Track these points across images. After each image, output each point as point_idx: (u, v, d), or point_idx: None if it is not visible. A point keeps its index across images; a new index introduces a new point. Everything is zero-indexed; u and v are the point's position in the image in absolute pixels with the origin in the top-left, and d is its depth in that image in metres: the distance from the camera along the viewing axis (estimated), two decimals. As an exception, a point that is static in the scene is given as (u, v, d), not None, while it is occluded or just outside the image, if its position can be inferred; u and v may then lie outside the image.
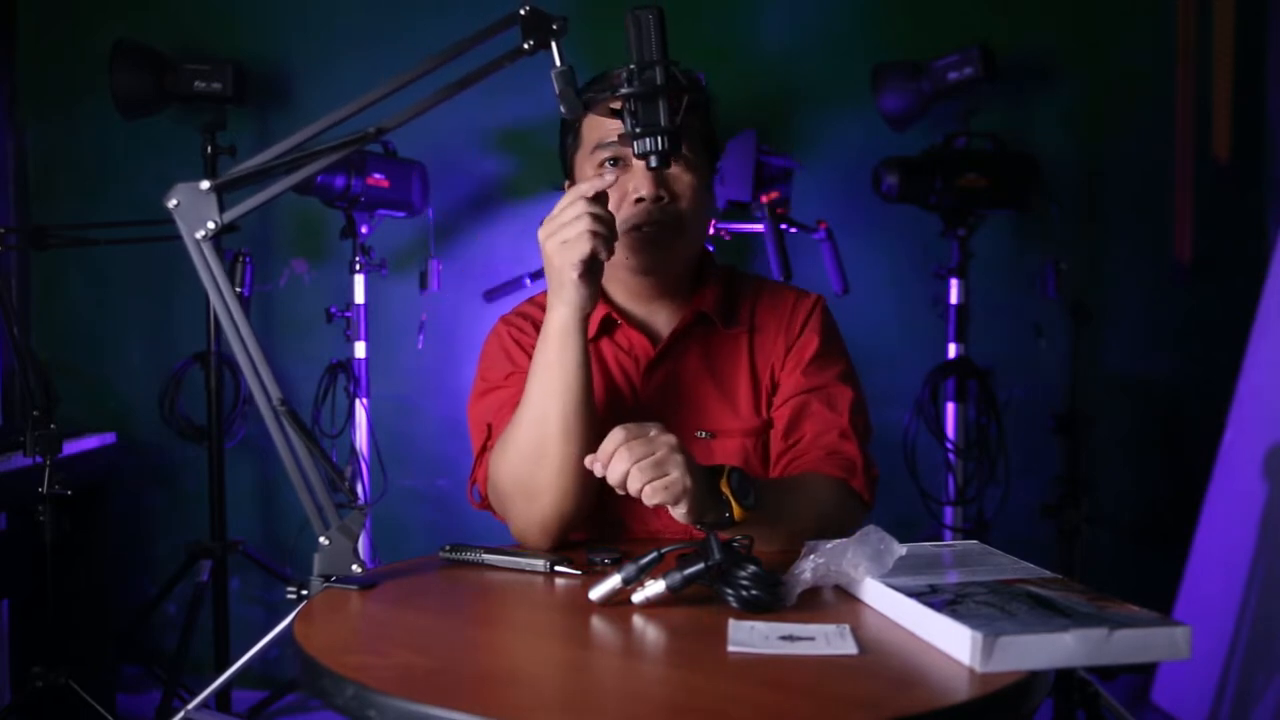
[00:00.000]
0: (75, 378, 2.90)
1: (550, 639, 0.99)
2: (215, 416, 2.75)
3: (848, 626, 0.96)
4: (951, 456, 2.80)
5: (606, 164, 1.38)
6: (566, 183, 1.46)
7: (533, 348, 1.36)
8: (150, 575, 3.05)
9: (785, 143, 2.89)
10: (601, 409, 1.37)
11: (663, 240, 1.38)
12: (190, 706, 1.61)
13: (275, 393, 1.14)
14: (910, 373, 2.82)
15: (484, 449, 1.40)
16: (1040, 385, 2.99)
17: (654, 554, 1.04)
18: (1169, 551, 2.87)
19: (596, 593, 1.04)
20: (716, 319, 1.44)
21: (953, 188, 2.67)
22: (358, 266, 2.79)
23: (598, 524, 1.39)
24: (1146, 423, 3.15)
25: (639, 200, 1.36)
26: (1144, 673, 2.89)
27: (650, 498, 1.09)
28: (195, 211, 1.14)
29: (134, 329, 3.05)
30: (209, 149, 2.71)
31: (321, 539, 1.13)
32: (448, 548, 1.23)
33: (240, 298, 2.42)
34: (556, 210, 1.23)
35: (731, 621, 0.97)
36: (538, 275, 2.70)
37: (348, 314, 2.80)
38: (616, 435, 1.11)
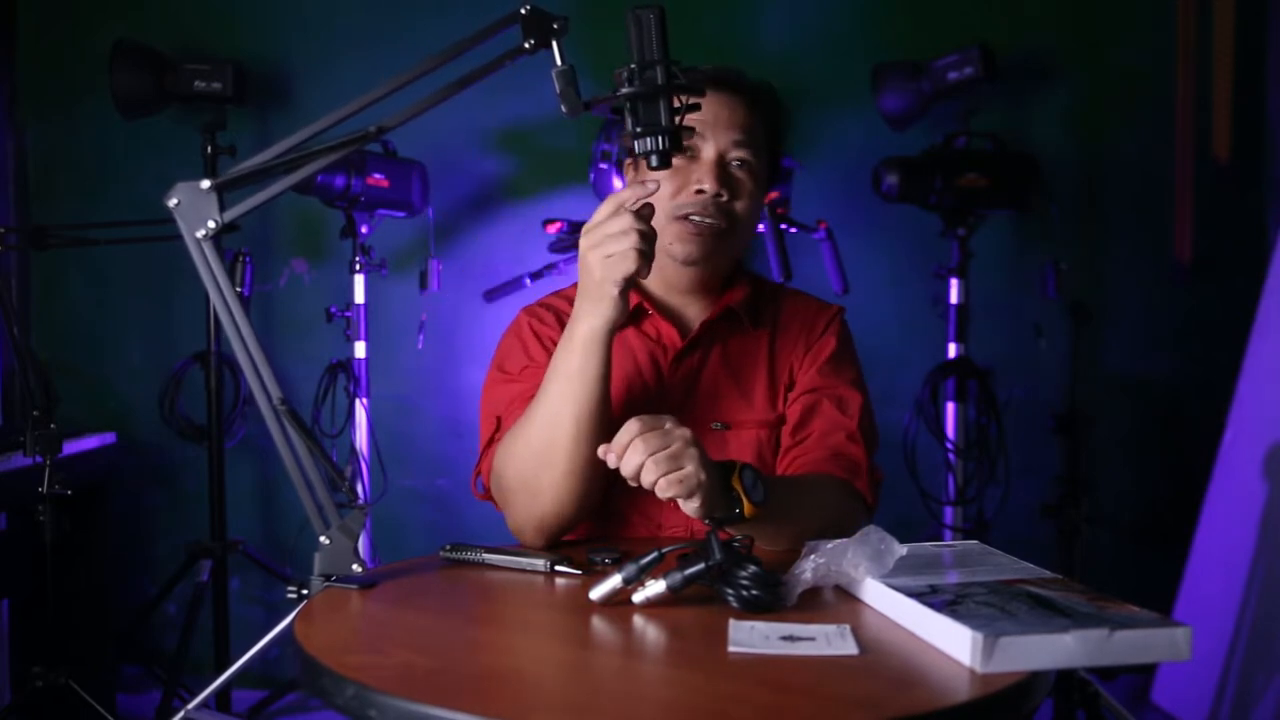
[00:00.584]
0: (75, 378, 2.90)
1: (550, 639, 0.99)
2: (215, 416, 2.75)
3: (848, 626, 0.96)
4: (951, 456, 2.80)
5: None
6: (629, 161, 1.48)
7: (553, 342, 1.38)
8: (150, 575, 3.05)
9: (787, 143, 2.89)
10: (623, 396, 1.41)
11: (712, 234, 1.42)
12: (190, 706, 1.60)
13: (275, 392, 1.14)
14: (910, 373, 2.82)
15: (491, 441, 1.41)
16: (1040, 385, 2.99)
17: (654, 554, 1.03)
18: (1169, 551, 2.87)
19: (597, 593, 1.04)
20: (744, 317, 1.48)
21: (953, 187, 2.67)
22: (358, 266, 2.79)
23: (599, 516, 1.41)
24: (1146, 423, 3.15)
25: (699, 191, 1.40)
26: (1144, 673, 2.90)
27: (664, 491, 1.09)
28: (196, 211, 1.14)
29: (134, 329, 3.05)
30: (209, 149, 2.71)
31: (321, 539, 1.13)
32: (448, 547, 1.23)
33: (240, 297, 2.41)
34: (599, 218, 1.21)
35: (732, 621, 0.97)
36: (538, 275, 2.70)
37: (348, 314, 2.80)
38: (632, 427, 1.10)
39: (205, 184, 1.14)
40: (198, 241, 1.14)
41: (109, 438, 2.73)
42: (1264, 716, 2.41)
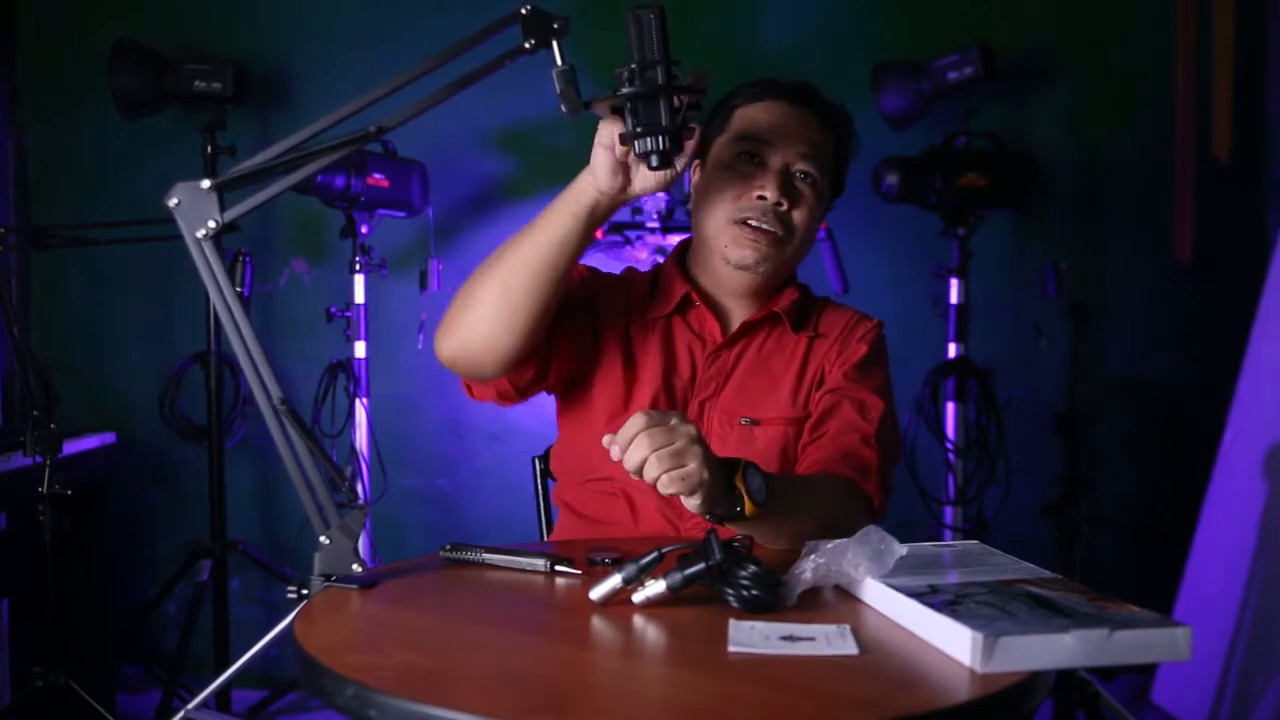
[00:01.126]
0: (75, 378, 2.90)
1: (550, 639, 0.99)
2: (215, 416, 2.75)
3: (848, 626, 0.96)
4: (951, 456, 2.80)
5: (742, 160, 1.45)
6: (697, 163, 1.53)
7: (590, 283, 1.51)
8: (150, 575, 3.05)
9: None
10: (656, 382, 1.45)
11: (767, 242, 1.44)
12: (190, 706, 1.61)
13: (276, 392, 1.14)
14: (910, 372, 2.82)
15: None
16: (1040, 385, 2.99)
17: (654, 554, 1.03)
18: (1169, 551, 2.87)
19: (597, 592, 1.04)
20: (788, 320, 1.51)
21: (953, 187, 2.67)
22: (358, 266, 2.79)
23: (625, 514, 1.43)
24: (1146, 423, 3.15)
25: (760, 198, 1.43)
26: (1144, 673, 2.90)
27: (666, 487, 1.09)
28: (196, 210, 1.14)
29: (134, 329, 3.05)
30: (209, 149, 2.71)
31: (322, 538, 1.13)
32: (448, 547, 1.23)
33: (240, 297, 2.42)
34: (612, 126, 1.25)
35: (732, 621, 0.97)
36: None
37: (348, 314, 2.80)
38: (637, 421, 1.10)
39: (205, 184, 1.14)
40: (198, 241, 1.14)
41: (109, 438, 2.73)
42: (1264, 716, 2.41)
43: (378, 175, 2.65)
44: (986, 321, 2.90)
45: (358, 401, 2.79)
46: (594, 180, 1.29)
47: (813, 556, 1.06)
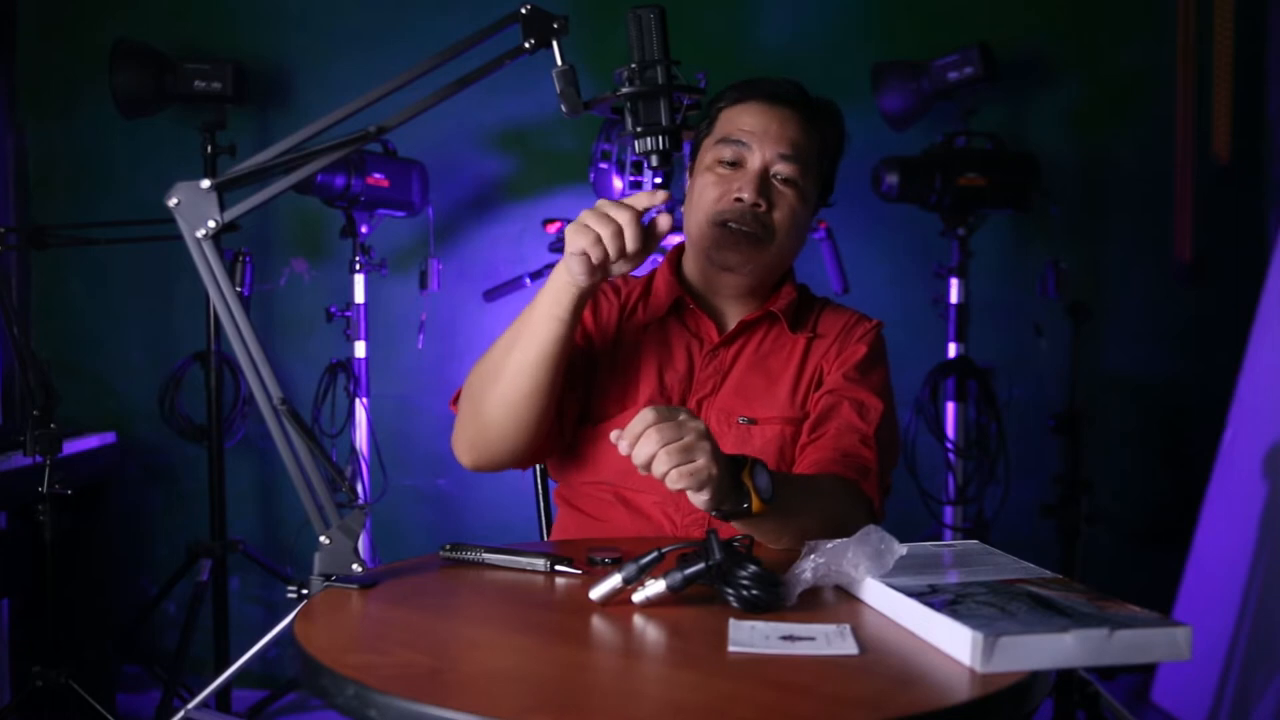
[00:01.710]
0: (75, 378, 2.90)
1: (550, 639, 0.99)
2: (215, 416, 2.75)
3: (848, 626, 0.96)
4: (951, 456, 2.80)
5: (723, 163, 1.46)
6: (690, 165, 1.54)
7: (592, 302, 1.49)
8: (150, 575, 3.05)
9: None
10: (653, 382, 1.46)
11: (746, 243, 1.44)
12: (190, 706, 1.61)
13: (276, 392, 1.14)
14: (910, 372, 2.81)
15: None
16: (1040, 385, 2.99)
17: (654, 554, 1.03)
18: (1169, 551, 2.87)
19: (597, 592, 1.04)
20: (785, 321, 1.51)
21: (952, 187, 2.67)
22: (358, 266, 2.79)
23: (625, 513, 1.44)
24: (1146, 423, 3.15)
25: (738, 199, 1.43)
26: (1144, 673, 2.90)
27: (674, 483, 1.09)
28: (196, 210, 1.14)
29: (134, 329, 3.05)
30: (209, 148, 2.71)
31: (322, 538, 1.13)
32: (448, 547, 1.23)
33: (240, 297, 2.42)
34: (613, 203, 1.25)
35: (732, 621, 0.97)
36: (538, 275, 2.70)
37: (348, 313, 2.80)
38: (646, 416, 1.10)
39: (205, 184, 1.14)
40: (198, 241, 1.14)
41: (109, 437, 2.73)
42: (1264, 716, 2.41)
43: (378, 175, 2.65)
44: (986, 321, 2.90)
45: (358, 401, 2.79)
46: (573, 279, 1.29)
47: (812, 556, 1.06)
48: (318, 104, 2.83)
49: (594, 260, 1.24)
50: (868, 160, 2.74)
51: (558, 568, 1.17)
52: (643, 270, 1.61)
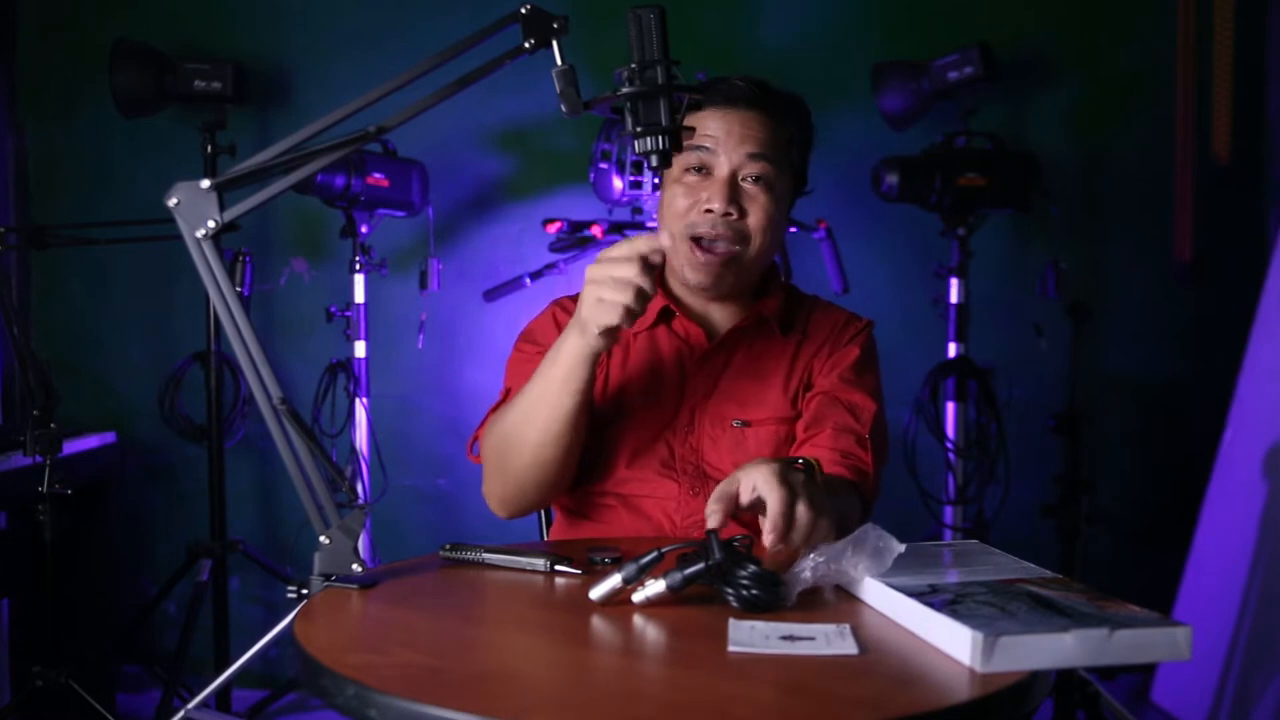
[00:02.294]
0: (75, 377, 2.90)
1: (550, 639, 0.99)
2: (215, 416, 2.75)
3: (848, 626, 0.96)
4: (951, 456, 2.80)
5: (691, 171, 1.44)
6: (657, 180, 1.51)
7: None
8: (150, 575, 3.05)
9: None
10: (645, 390, 1.47)
11: (720, 262, 1.44)
12: (190, 706, 1.61)
13: (276, 392, 1.14)
14: (910, 372, 2.82)
15: (494, 409, 1.47)
16: (1040, 385, 2.99)
17: (654, 553, 1.03)
18: (1169, 551, 2.87)
19: (597, 592, 1.04)
20: (775, 325, 1.50)
21: (952, 187, 2.67)
22: (358, 266, 2.79)
23: (594, 514, 1.44)
24: (1146, 423, 3.15)
25: (709, 210, 1.41)
26: (1144, 673, 2.90)
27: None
28: (196, 210, 1.14)
29: (134, 329, 3.05)
30: (209, 148, 2.71)
31: (322, 538, 1.13)
32: (448, 547, 1.23)
33: (240, 297, 2.42)
34: (613, 254, 1.20)
35: (732, 621, 0.97)
36: (538, 275, 2.70)
37: (348, 313, 2.80)
38: (803, 519, 1.08)
39: (205, 183, 1.14)
40: (198, 241, 1.14)
41: (109, 437, 2.73)
42: (1264, 716, 2.41)
43: (377, 175, 2.65)
44: (986, 321, 2.90)
45: (358, 401, 2.79)
46: (595, 346, 1.27)
47: (812, 556, 1.06)
48: (318, 104, 2.83)
49: (626, 328, 1.22)
50: (868, 160, 2.75)
51: (558, 568, 1.17)
52: None
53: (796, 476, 1.10)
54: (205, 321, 2.75)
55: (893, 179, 2.66)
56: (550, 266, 2.71)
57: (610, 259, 1.20)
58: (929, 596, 0.96)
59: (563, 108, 1.20)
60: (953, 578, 1.06)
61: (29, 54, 3.00)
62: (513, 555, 1.20)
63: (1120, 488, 3.06)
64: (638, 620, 1.01)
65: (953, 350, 2.80)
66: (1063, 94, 3.06)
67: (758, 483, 1.08)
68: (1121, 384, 3.09)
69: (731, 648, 0.91)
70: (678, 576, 1.02)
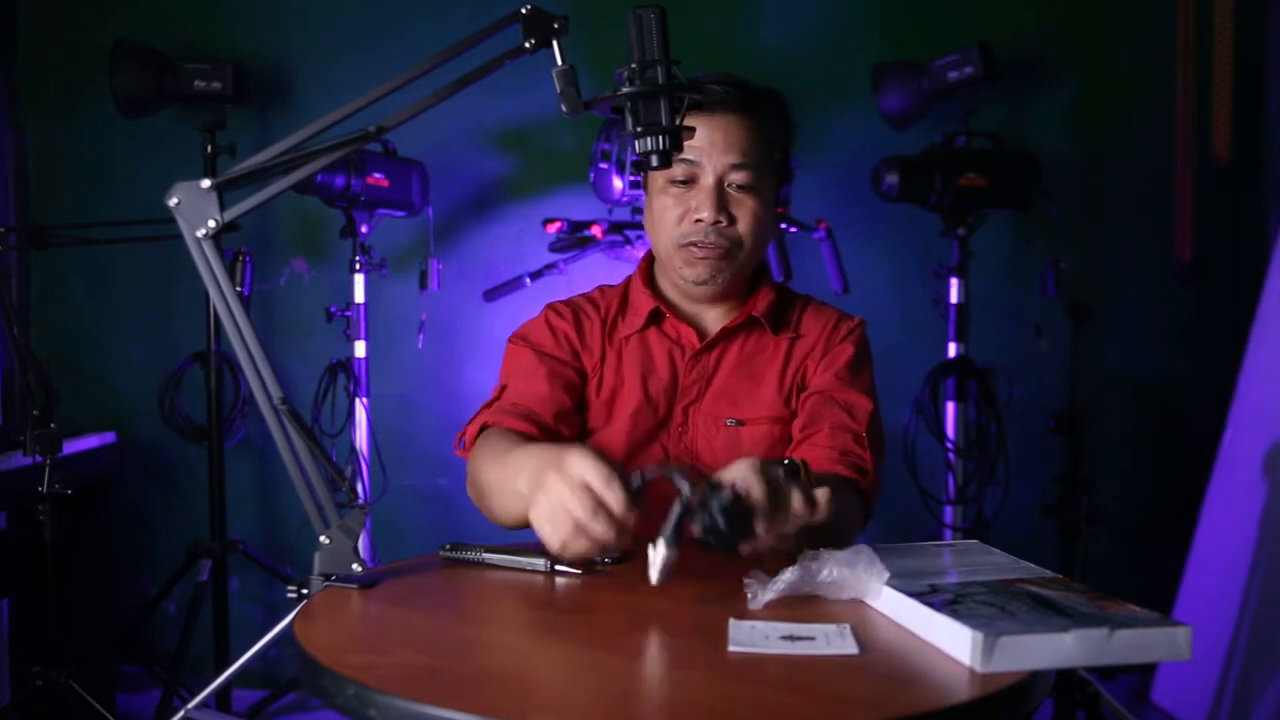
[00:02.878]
0: (75, 377, 2.90)
1: (550, 639, 0.99)
2: (215, 416, 2.75)
3: (848, 626, 0.96)
4: (951, 456, 2.80)
5: (676, 182, 1.44)
6: (643, 179, 1.53)
7: (566, 336, 1.50)
8: (150, 575, 3.05)
9: (793, 145, 2.90)
10: (638, 394, 1.47)
11: (717, 256, 1.44)
12: (190, 706, 1.60)
13: (276, 391, 1.14)
14: (910, 372, 2.82)
15: (488, 405, 1.47)
16: (1040, 385, 2.99)
17: (678, 507, 1.01)
18: (1169, 551, 2.87)
19: (658, 576, 1.00)
20: (767, 324, 1.51)
21: (952, 187, 2.67)
22: (358, 266, 2.79)
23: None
24: (1146, 423, 3.15)
25: (698, 220, 1.43)
26: (1144, 673, 2.90)
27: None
28: (196, 210, 1.14)
29: (134, 328, 3.05)
30: (209, 148, 2.71)
31: (322, 538, 1.13)
32: (448, 547, 1.23)
33: (240, 297, 2.41)
34: (567, 483, 1.01)
35: (732, 621, 0.97)
36: (538, 275, 2.70)
37: (348, 313, 2.80)
38: (792, 505, 1.05)
39: (205, 183, 1.14)
40: (198, 241, 1.14)
41: (109, 437, 2.73)
42: (1264, 716, 2.41)
43: (377, 175, 2.65)
44: (986, 321, 2.90)
45: (358, 401, 2.79)
46: None
47: (798, 570, 1.04)
48: (318, 104, 2.83)
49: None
50: (868, 160, 2.75)
51: (558, 568, 1.17)
52: (617, 280, 1.62)
53: (777, 470, 1.08)
54: (205, 321, 2.75)
55: (893, 179, 2.66)
56: (550, 266, 2.71)
57: (566, 479, 1.02)
58: (929, 596, 0.97)
59: (563, 108, 1.20)
60: (953, 578, 1.06)
61: (29, 54, 3.00)
62: (513, 555, 1.20)
63: (1120, 488, 3.06)
64: (638, 621, 1.01)
65: (953, 350, 2.80)
66: (1063, 94, 3.06)
67: (739, 478, 1.05)
68: (1121, 384, 3.09)
69: (731, 648, 0.91)
70: (667, 530, 1.01)
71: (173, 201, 1.14)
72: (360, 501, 1.15)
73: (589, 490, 1.00)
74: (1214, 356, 2.94)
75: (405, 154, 2.78)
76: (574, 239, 2.63)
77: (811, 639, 0.93)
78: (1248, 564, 2.57)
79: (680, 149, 1.21)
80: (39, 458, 2.05)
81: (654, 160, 1.20)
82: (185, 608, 2.69)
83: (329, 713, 0.85)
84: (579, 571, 1.16)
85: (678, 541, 1.01)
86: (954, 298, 2.79)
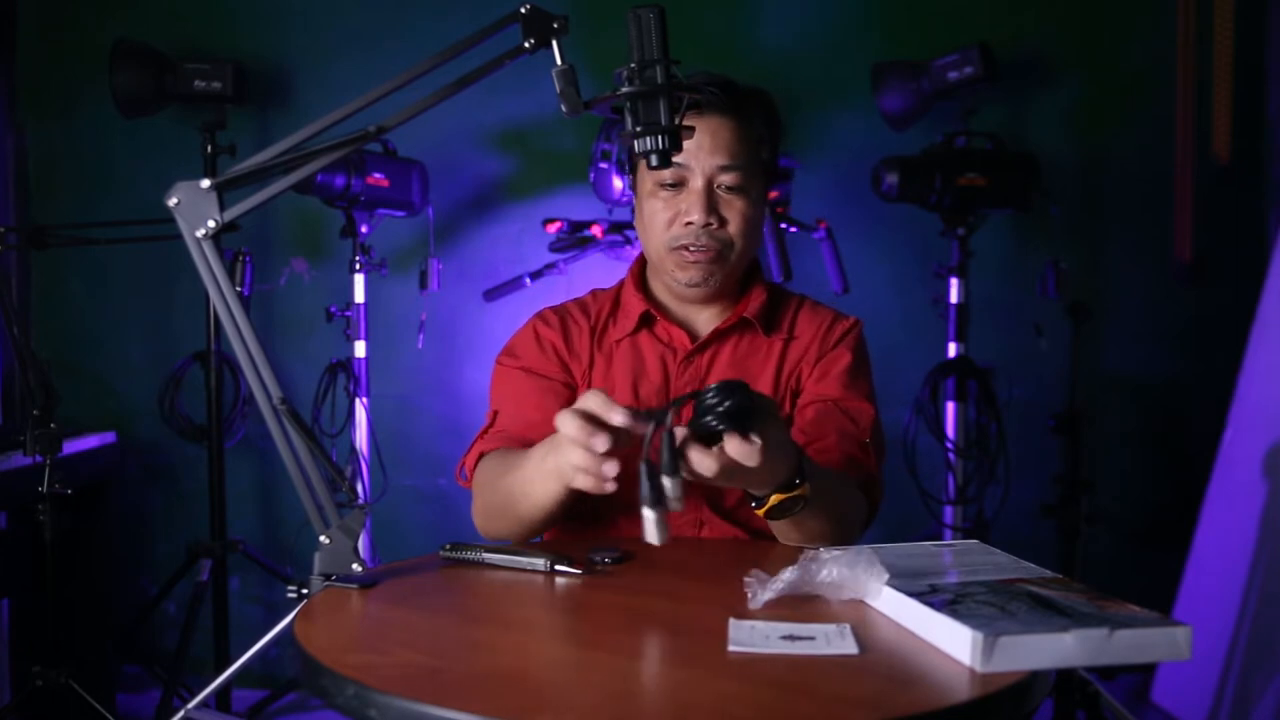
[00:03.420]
0: (75, 377, 2.90)
1: (550, 639, 0.99)
2: (215, 416, 2.75)
3: (848, 626, 0.96)
4: (951, 456, 2.80)
5: (665, 185, 1.44)
6: (632, 180, 1.53)
7: (553, 346, 1.50)
8: (150, 575, 3.05)
9: (785, 142, 2.89)
10: (630, 396, 1.46)
11: (708, 259, 1.44)
12: (190, 706, 1.60)
13: (276, 392, 1.14)
14: (910, 372, 2.82)
15: (483, 434, 1.49)
16: (1040, 385, 2.99)
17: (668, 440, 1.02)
18: (1169, 551, 2.87)
19: (654, 536, 1.01)
20: (759, 325, 1.50)
21: (952, 187, 2.67)
22: (358, 266, 2.79)
23: (591, 511, 1.44)
24: (1146, 423, 3.15)
25: (689, 223, 1.43)
26: (1144, 673, 2.90)
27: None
28: (196, 210, 1.14)
29: (134, 328, 3.05)
30: (209, 148, 2.71)
31: (322, 538, 1.13)
32: (448, 547, 1.23)
33: (240, 297, 2.41)
34: (572, 417, 1.07)
35: (732, 621, 0.97)
36: (538, 275, 2.70)
37: (348, 313, 2.80)
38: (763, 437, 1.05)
39: (205, 183, 1.14)
40: (198, 241, 1.14)
41: (109, 437, 2.73)
42: (1264, 716, 2.41)
43: (377, 175, 2.65)
44: (986, 321, 2.90)
45: (358, 401, 2.79)
46: (564, 472, 1.17)
47: (790, 570, 1.04)
48: (318, 104, 2.83)
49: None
50: (868, 160, 2.75)
51: (558, 567, 1.17)
52: (609, 284, 1.61)
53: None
54: (205, 321, 2.75)
55: (893, 179, 2.66)
56: (550, 266, 2.71)
57: (577, 417, 1.08)
58: (929, 596, 0.96)
59: (563, 108, 1.20)
60: (953, 578, 1.06)
61: (29, 54, 3.00)
62: (513, 555, 1.20)
63: (1120, 488, 3.06)
64: (638, 620, 1.01)
65: (953, 350, 2.80)
66: (1063, 94, 3.06)
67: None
68: (1121, 384, 3.09)
69: (731, 648, 0.91)
70: (664, 460, 1.01)
71: (173, 201, 1.14)
72: (360, 501, 1.15)
73: (590, 415, 1.07)
74: (1214, 356, 2.94)
75: (405, 154, 2.78)
76: (574, 239, 2.64)
77: (811, 639, 0.93)
78: (1248, 564, 2.57)
79: (679, 148, 1.21)
80: (39, 458, 2.05)
81: (653, 160, 1.20)
82: (185, 608, 2.69)
83: (329, 713, 0.85)
84: (579, 572, 1.17)
85: (678, 472, 1.02)
86: (954, 298, 2.79)
